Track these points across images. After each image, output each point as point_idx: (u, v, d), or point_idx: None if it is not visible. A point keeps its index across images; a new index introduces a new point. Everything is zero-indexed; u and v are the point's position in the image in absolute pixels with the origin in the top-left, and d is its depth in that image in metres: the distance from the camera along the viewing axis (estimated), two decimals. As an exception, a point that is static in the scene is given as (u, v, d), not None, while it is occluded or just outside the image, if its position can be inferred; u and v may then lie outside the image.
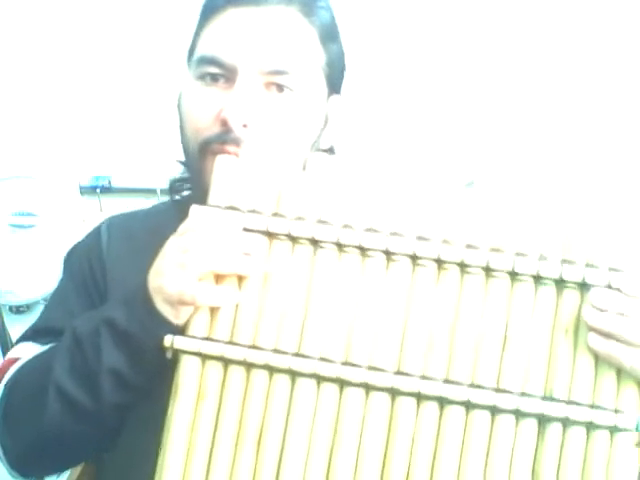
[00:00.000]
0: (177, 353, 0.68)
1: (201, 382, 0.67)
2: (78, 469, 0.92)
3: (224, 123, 0.77)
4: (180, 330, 0.68)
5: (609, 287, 0.64)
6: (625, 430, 0.64)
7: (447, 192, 0.68)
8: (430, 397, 0.65)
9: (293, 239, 0.68)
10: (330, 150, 0.90)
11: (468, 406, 0.65)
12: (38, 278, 2.20)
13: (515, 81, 2.47)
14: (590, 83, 2.45)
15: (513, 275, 0.66)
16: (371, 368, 0.66)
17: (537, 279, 0.66)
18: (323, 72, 0.84)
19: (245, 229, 0.68)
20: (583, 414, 0.64)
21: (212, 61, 0.79)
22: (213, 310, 0.68)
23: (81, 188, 2.34)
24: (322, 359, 0.66)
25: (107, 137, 2.36)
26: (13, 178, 2.26)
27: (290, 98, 0.80)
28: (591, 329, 0.64)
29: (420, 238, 0.67)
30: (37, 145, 2.34)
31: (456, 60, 2.48)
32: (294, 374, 0.66)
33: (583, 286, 0.65)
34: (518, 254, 0.66)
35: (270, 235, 0.68)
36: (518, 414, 0.65)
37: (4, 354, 1.79)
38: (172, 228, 0.71)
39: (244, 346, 0.67)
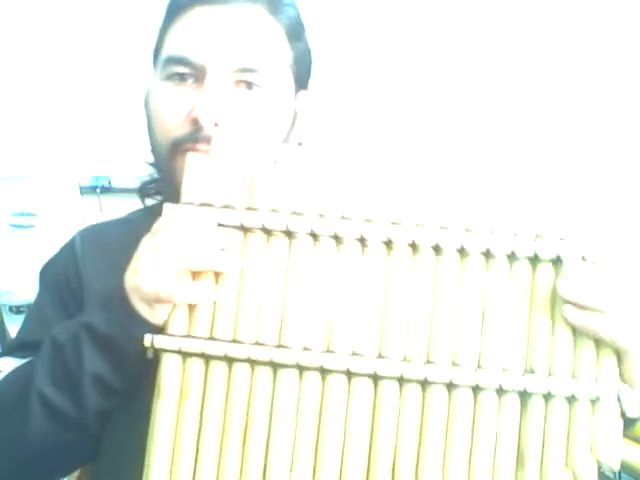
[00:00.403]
0: (158, 352, 0.68)
1: (183, 380, 0.68)
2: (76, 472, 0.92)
3: (195, 122, 0.77)
4: (160, 329, 0.68)
5: (582, 260, 0.65)
6: (606, 400, 0.65)
7: (417, 175, 0.68)
8: (412, 379, 0.66)
9: (268, 232, 0.68)
10: (300, 145, 0.89)
11: (450, 386, 0.66)
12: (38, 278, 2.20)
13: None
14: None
15: (487, 254, 0.66)
16: (352, 354, 0.66)
17: (511, 256, 0.66)
18: (290, 69, 0.85)
19: (219, 224, 0.68)
20: (564, 387, 0.65)
21: (180, 61, 0.79)
22: (191, 307, 0.68)
23: (81, 188, 2.34)
24: (303, 349, 0.67)
25: (107, 137, 2.36)
26: (13, 178, 2.26)
27: (259, 95, 0.80)
28: (566, 302, 0.64)
29: (393, 223, 0.67)
30: (37, 145, 2.34)
31: (445, 51, 2.47)
32: (276, 365, 0.67)
33: (557, 261, 0.66)
34: (491, 233, 0.66)
35: (245, 229, 0.68)
36: (500, 391, 0.65)
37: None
38: (146, 233, 0.71)
39: (224, 341, 0.67)
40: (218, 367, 0.67)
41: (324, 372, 0.66)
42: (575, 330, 0.65)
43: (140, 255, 0.69)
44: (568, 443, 0.65)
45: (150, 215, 0.72)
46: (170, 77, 0.80)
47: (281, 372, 0.67)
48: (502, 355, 0.66)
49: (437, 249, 0.67)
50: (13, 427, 0.74)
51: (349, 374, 0.66)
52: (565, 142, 2.36)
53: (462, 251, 0.66)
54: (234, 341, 0.67)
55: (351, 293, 0.67)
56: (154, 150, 0.84)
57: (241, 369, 0.67)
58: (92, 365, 0.71)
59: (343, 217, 0.68)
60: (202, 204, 0.69)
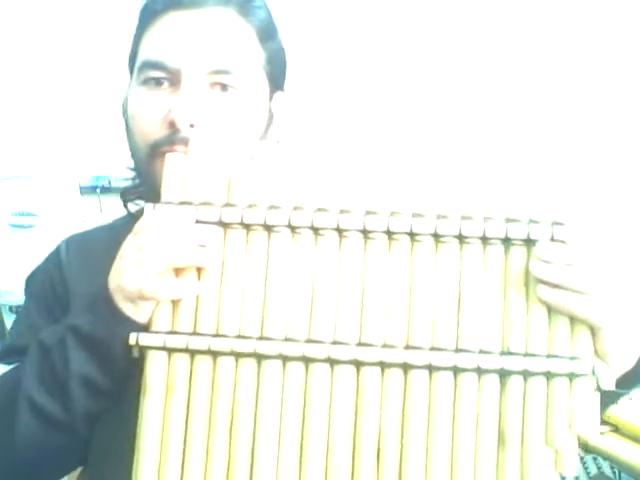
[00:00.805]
0: (143, 350, 0.69)
1: (168, 375, 0.69)
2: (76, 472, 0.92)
3: (172, 125, 0.79)
4: (144, 327, 0.70)
5: (552, 240, 0.66)
6: (582, 376, 0.66)
7: (390, 164, 0.70)
8: (393, 364, 0.67)
9: (246, 226, 0.69)
10: (277, 143, 0.91)
11: (430, 369, 0.67)
12: (38, 278, 2.20)
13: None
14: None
15: (461, 238, 0.68)
16: (334, 343, 0.68)
17: (484, 240, 0.68)
18: (264, 69, 0.86)
19: (199, 221, 0.69)
20: (541, 365, 0.66)
21: (156, 65, 0.81)
22: (174, 304, 0.69)
23: (81, 188, 2.34)
24: (286, 339, 0.68)
25: (107, 137, 2.36)
26: (13, 178, 2.26)
27: (234, 96, 0.82)
28: (540, 281, 0.66)
29: (368, 212, 0.68)
30: (37, 145, 2.34)
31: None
32: (259, 357, 0.68)
33: (529, 242, 0.67)
34: (464, 218, 0.68)
35: (224, 225, 0.70)
36: (479, 371, 0.67)
37: (4, 354, 1.79)
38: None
39: (208, 335, 0.68)
40: (203, 361, 0.69)
41: (307, 361, 0.68)
42: (549, 309, 0.67)
43: (123, 255, 0.70)
44: (547, 420, 0.66)
45: (135, 221, 0.73)
46: (146, 82, 0.82)
47: (265, 363, 0.68)
48: (480, 337, 0.67)
49: (412, 236, 0.68)
50: (2, 433, 0.74)
51: (331, 362, 0.68)
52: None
53: (436, 237, 0.68)
54: (217, 335, 0.69)
55: (330, 283, 0.69)
56: (133, 154, 0.86)
57: (225, 362, 0.68)
58: (79, 367, 0.71)
59: (319, 209, 0.69)
60: (181, 202, 0.70)
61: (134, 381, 0.70)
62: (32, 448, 0.74)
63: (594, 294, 0.65)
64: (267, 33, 0.86)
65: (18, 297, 2.24)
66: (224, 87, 0.81)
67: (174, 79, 0.80)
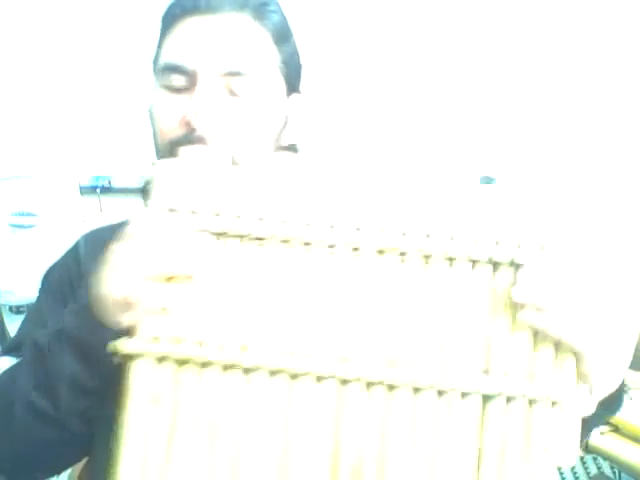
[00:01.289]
0: (126, 357, 0.68)
1: (152, 384, 0.68)
2: (78, 469, 0.93)
3: (188, 124, 0.83)
4: (129, 333, 0.69)
5: (537, 264, 0.66)
6: (563, 401, 0.66)
7: (372, 181, 0.69)
8: (376, 382, 0.67)
9: (239, 236, 0.69)
10: (292, 148, 0.94)
11: (414, 388, 0.67)
12: (38, 278, 2.19)
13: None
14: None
15: (449, 258, 0.68)
16: (319, 358, 0.67)
17: (471, 261, 0.67)
18: (280, 71, 0.90)
19: (189, 229, 0.69)
20: (522, 388, 0.66)
21: (174, 68, 0.85)
22: (161, 311, 0.68)
23: (81, 188, 2.34)
24: (271, 351, 0.68)
25: (107, 137, 2.36)
26: (13, 178, 2.26)
27: (249, 98, 0.85)
28: (524, 305, 0.66)
29: (358, 228, 0.68)
30: (37, 145, 2.34)
31: (453, 56, 2.48)
32: (245, 369, 0.68)
33: (514, 265, 0.67)
34: (452, 239, 0.67)
35: (215, 234, 0.69)
36: (462, 393, 0.66)
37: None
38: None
39: (193, 344, 0.68)
40: (187, 371, 0.68)
41: (292, 375, 0.67)
42: (534, 332, 0.66)
43: (109, 261, 0.70)
44: (527, 444, 0.66)
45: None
46: (166, 85, 0.86)
47: (250, 376, 0.68)
48: (463, 358, 0.67)
49: (401, 254, 0.68)
50: (3, 426, 0.77)
51: (316, 377, 0.67)
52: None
53: (425, 255, 0.67)
54: (202, 344, 0.68)
55: (319, 297, 0.68)
56: (156, 152, 0.89)
57: (210, 373, 0.68)
58: (67, 368, 0.73)
59: (309, 223, 0.68)
60: (171, 210, 0.69)
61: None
62: (28, 442, 0.76)
63: (577, 319, 0.64)
64: (282, 36, 0.90)
65: (18, 297, 2.24)
66: (239, 89, 0.84)
67: (191, 82, 0.84)
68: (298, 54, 0.94)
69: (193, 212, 0.69)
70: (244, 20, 0.87)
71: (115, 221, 0.99)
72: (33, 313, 0.95)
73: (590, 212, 0.68)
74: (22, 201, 2.26)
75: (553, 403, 0.66)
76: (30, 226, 2.25)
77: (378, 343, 0.67)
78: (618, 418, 1.36)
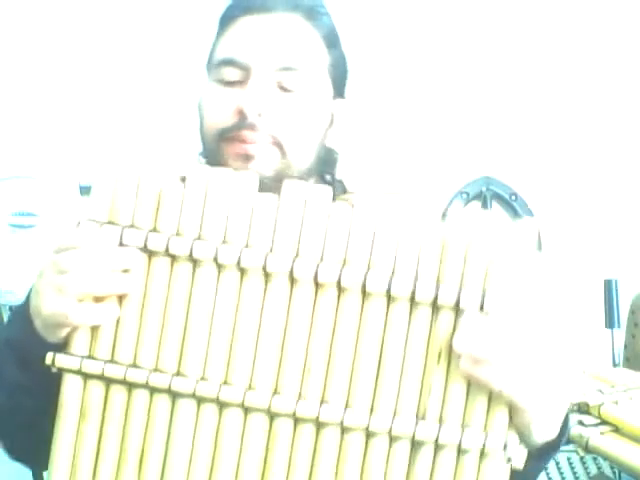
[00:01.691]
0: (61, 369, 0.68)
1: (83, 401, 0.68)
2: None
3: (240, 112, 0.86)
4: (63, 346, 0.69)
5: (481, 309, 0.64)
6: (493, 451, 0.64)
7: (326, 211, 0.67)
8: (306, 419, 0.65)
9: (172, 256, 0.67)
10: (332, 152, 0.97)
11: (343, 428, 0.65)
12: (38, 278, 2.19)
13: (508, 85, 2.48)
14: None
15: (388, 296, 0.65)
16: (249, 389, 0.66)
17: (412, 300, 0.65)
18: (328, 73, 0.92)
19: (123, 244, 0.67)
20: (454, 436, 0.64)
21: (229, 62, 0.88)
22: (94, 327, 0.68)
23: (81, 188, 2.34)
24: (201, 379, 0.66)
25: (107, 137, 2.36)
26: (13, 178, 2.26)
27: (299, 93, 0.88)
28: (460, 353, 0.64)
29: (297, 257, 0.66)
30: (37, 145, 2.34)
31: (457, 62, 2.48)
32: (174, 394, 0.67)
33: (456, 308, 0.64)
34: (393, 275, 0.65)
35: (149, 251, 0.67)
36: (391, 436, 0.65)
37: (4, 354, 1.80)
38: None
39: (124, 365, 0.67)
40: (117, 391, 0.67)
41: (221, 405, 0.66)
42: (469, 380, 0.65)
43: (43, 275, 0.70)
44: None
45: None
46: (220, 79, 0.89)
47: (179, 401, 0.67)
48: (395, 400, 0.65)
49: (339, 287, 0.65)
50: None
51: (245, 408, 0.66)
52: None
53: (363, 291, 0.65)
54: (134, 365, 0.67)
55: (252, 327, 0.66)
56: (204, 140, 0.92)
57: (139, 395, 0.67)
58: (10, 374, 0.76)
59: (247, 246, 0.66)
60: (108, 222, 0.68)
61: None
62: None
63: (514, 373, 0.63)
64: (331, 39, 0.93)
65: (18, 297, 2.23)
66: (290, 85, 0.88)
67: (245, 76, 0.87)
68: (345, 60, 0.96)
69: (129, 227, 0.67)
70: (296, 20, 0.90)
71: None
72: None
73: (533, 267, 0.65)
74: (22, 201, 2.25)
75: (482, 452, 0.64)
76: (30, 226, 2.25)
77: (310, 379, 0.66)
78: (618, 418, 1.36)
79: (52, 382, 0.69)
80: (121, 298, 0.68)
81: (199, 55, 0.98)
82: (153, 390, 0.67)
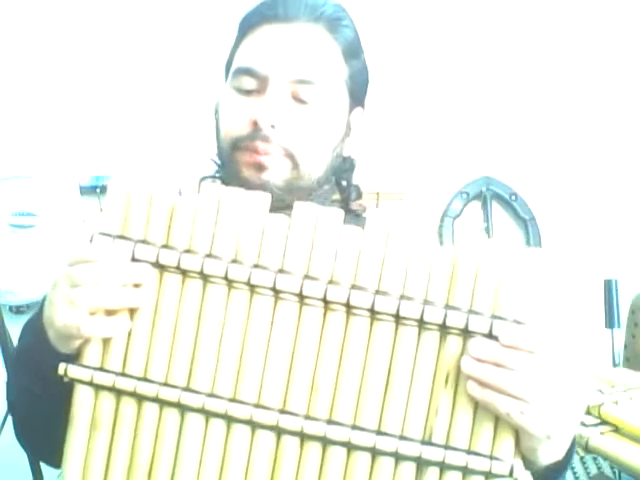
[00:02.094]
0: (73, 380, 0.69)
1: (94, 412, 0.68)
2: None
3: (255, 124, 0.86)
4: (76, 357, 0.70)
5: (489, 334, 0.64)
6: (499, 476, 0.64)
7: (337, 232, 0.67)
8: (313, 436, 0.66)
9: (183, 272, 0.68)
10: (349, 160, 0.98)
11: (349, 447, 0.65)
12: (38, 278, 2.20)
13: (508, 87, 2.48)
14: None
15: (397, 318, 0.66)
16: (257, 406, 0.66)
17: (421, 323, 0.65)
18: (345, 85, 0.93)
19: (135, 259, 0.68)
20: (460, 459, 0.64)
21: (247, 71, 0.88)
22: (105, 340, 0.69)
23: (81, 188, 2.34)
24: (210, 394, 0.67)
25: (107, 137, 2.36)
26: (13, 178, 2.26)
27: (314, 106, 0.88)
28: (469, 377, 0.64)
29: (307, 277, 0.66)
30: (37, 145, 2.34)
31: (458, 63, 2.48)
32: (183, 408, 0.67)
33: (465, 332, 0.65)
34: (403, 297, 0.65)
35: (160, 267, 0.68)
36: (397, 457, 0.65)
37: (4, 354, 1.80)
38: None
39: (135, 377, 0.68)
40: (128, 403, 0.68)
41: (229, 420, 0.67)
42: (476, 404, 0.65)
43: (57, 287, 0.70)
44: None
45: None
46: (237, 87, 0.90)
47: (188, 415, 0.67)
48: (403, 421, 0.66)
49: (348, 308, 0.66)
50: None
51: (253, 425, 0.66)
52: None
53: (372, 312, 0.66)
54: (145, 379, 0.68)
55: (261, 344, 0.67)
56: (219, 147, 0.93)
57: (149, 408, 0.68)
58: (23, 381, 0.80)
59: (257, 265, 0.67)
60: (120, 236, 0.68)
61: None
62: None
63: (523, 399, 0.63)
64: (352, 51, 0.93)
65: (18, 297, 2.24)
66: (306, 97, 0.88)
67: (262, 86, 0.88)
68: (367, 70, 0.97)
69: (141, 241, 0.68)
70: (318, 32, 0.90)
71: None
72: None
73: (542, 292, 0.65)
74: (22, 201, 2.26)
75: (487, 477, 0.65)
76: (30, 226, 2.25)
77: (318, 398, 0.66)
78: (618, 418, 1.36)
79: (66, 391, 0.70)
80: (132, 312, 0.68)
81: (210, 56, 0.97)
82: (163, 403, 0.67)
